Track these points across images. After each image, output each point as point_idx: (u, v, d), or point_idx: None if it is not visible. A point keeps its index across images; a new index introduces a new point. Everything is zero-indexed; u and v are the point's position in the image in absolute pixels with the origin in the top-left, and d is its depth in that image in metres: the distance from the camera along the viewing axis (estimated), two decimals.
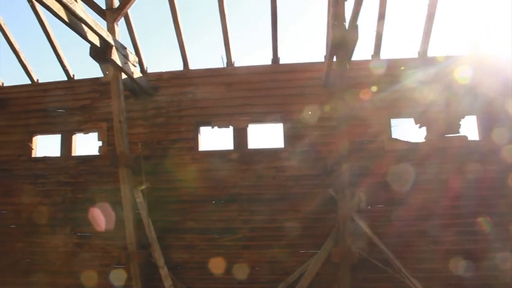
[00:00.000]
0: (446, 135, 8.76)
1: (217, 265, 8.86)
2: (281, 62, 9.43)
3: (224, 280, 8.87)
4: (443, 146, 8.68)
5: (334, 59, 7.74)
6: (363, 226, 8.28)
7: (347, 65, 7.53)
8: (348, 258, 8.04)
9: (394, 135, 8.96)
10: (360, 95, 8.73)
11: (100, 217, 9.43)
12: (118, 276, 9.33)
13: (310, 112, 8.96)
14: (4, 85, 10.78)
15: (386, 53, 9.39)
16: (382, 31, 8.88)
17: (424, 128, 8.89)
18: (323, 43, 9.09)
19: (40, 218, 9.90)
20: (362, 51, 13.30)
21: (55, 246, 9.73)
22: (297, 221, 8.77)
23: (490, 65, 8.78)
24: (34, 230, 9.92)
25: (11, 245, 10.01)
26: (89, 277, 9.37)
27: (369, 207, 8.64)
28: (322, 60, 9.08)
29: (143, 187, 8.82)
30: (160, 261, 8.71)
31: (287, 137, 9.06)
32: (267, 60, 9.47)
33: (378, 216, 8.60)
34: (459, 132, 8.75)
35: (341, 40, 7.12)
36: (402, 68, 8.94)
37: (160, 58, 19.87)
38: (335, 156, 7.91)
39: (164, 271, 8.67)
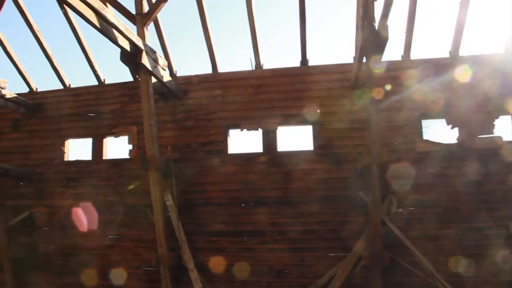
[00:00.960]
0: (479, 136, 8.56)
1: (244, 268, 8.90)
2: (309, 64, 9.40)
3: (253, 282, 8.85)
4: (476, 147, 8.49)
5: (364, 60, 7.69)
6: (394, 229, 8.16)
7: (377, 65, 7.46)
8: (379, 262, 7.94)
9: (425, 137, 8.82)
10: (390, 96, 8.62)
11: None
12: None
13: (339, 114, 8.89)
14: (38, 90, 11.09)
15: (417, 53, 9.23)
16: (412, 30, 8.76)
17: (456, 129, 8.71)
18: (351, 44, 9.05)
19: (73, 220, 10.12)
20: (392, 51, 13.16)
21: (87, 248, 9.91)
22: (326, 224, 8.71)
23: None
24: (66, 231, 10.13)
25: (45, 246, 10.26)
26: (120, 278, 9.54)
27: (400, 209, 8.50)
28: (351, 61, 9.01)
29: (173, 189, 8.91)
30: (190, 264, 8.74)
31: (316, 139, 9.01)
32: (295, 62, 9.48)
33: (409, 219, 8.46)
34: (493, 133, 8.55)
35: (371, 40, 7.07)
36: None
37: (189, 62, 20.08)
38: (365, 158, 7.83)
39: (193, 274, 8.69)
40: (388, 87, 8.49)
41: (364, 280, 8.27)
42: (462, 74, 8.67)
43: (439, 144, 8.70)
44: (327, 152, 8.89)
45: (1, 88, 9.74)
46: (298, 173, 8.94)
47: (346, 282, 8.30)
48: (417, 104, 8.73)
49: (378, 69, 8.23)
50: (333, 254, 8.73)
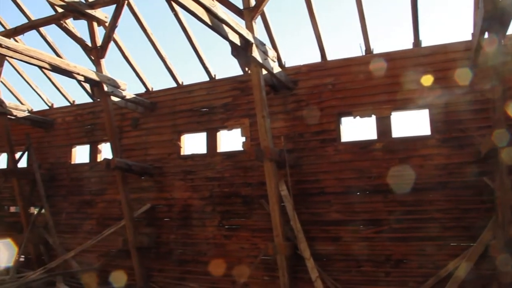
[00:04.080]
0: None
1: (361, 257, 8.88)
2: (422, 45, 9.05)
3: (370, 273, 8.78)
4: None
5: (485, 35, 7.29)
6: None
7: (502, 41, 7.03)
8: (509, 252, 7.49)
9: None
10: None
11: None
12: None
13: (458, 95, 8.52)
14: (153, 89, 11.95)
15: None
16: None
17: None
18: (467, 19, 8.61)
19: (191, 212, 10.79)
20: None
21: (205, 238, 10.53)
22: (447, 212, 8.38)
23: None
24: (185, 222, 10.85)
25: (166, 236, 11.10)
26: (238, 268, 9.98)
27: None
28: (469, 38, 8.57)
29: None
30: (306, 253, 8.88)
31: (434, 123, 8.68)
32: (407, 44, 9.20)
33: None
34: None
35: (494, 13, 6.67)
36: None
37: (297, 52, 20.23)
38: (490, 141, 7.41)
39: (310, 263, 8.80)
40: None
41: (492, 273, 7.80)
42: None
43: None
44: (446, 136, 8.55)
45: (122, 90, 10.63)
46: (415, 159, 8.68)
47: (471, 274, 7.89)
48: None
49: (503, 45, 7.79)
50: (455, 244, 8.33)
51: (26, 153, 13.71)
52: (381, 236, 8.81)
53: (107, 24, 10.67)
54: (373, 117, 9.18)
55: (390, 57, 9.17)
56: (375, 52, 9.43)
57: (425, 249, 8.47)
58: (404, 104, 8.93)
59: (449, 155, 8.49)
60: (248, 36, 7.97)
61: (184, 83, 11.56)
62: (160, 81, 21.84)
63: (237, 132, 10.53)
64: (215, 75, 11.10)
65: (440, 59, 8.77)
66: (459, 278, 7.89)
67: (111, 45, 10.79)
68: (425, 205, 8.53)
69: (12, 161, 13.22)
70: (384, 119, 9.09)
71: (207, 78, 11.18)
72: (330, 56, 9.77)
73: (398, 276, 8.61)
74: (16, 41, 10.87)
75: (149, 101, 11.65)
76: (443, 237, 8.38)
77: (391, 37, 18.05)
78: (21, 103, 14.25)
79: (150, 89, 12.01)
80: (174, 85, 11.66)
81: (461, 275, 7.91)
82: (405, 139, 8.88)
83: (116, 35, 10.94)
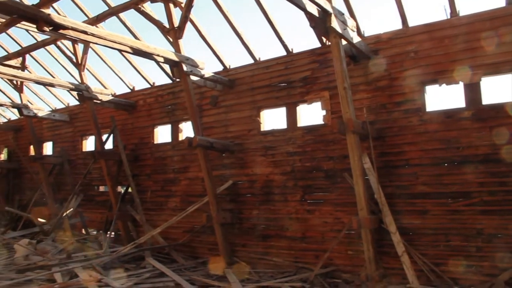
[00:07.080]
0: None
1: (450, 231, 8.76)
2: None
3: (460, 247, 8.65)
4: None
5: None
6: None
7: None
8: None
9: None
10: None
11: None
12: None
13: None
14: (231, 67, 12.36)
15: None
16: None
17: None
18: None
19: (272, 187, 11.16)
20: None
21: (287, 213, 10.89)
22: None
23: None
24: (267, 198, 11.27)
25: (248, 211, 11.61)
26: (320, 242, 10.24)
27: None
28: None
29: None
30: (392, 227, 8.94)
31: None
32: (498, 2, 8.78)
33: None
34: None
35: None
36: None
37: (376, 19, 19.70)
38: None
39: (396, 237, 8.85)
40: None
41: None
42: None
43: None
44: None
45: (200, 69, 11.09)
46: (509, 127, 8.34)
47: None
48: None
49: None
50: None
51: (112, 135, 14.74)
52: (472, 209, 8.61)
53: (183, 5, 11.12)
54: (461, 84, 8.91)
55: (479, 18, 8.80)
56: (461, 14, 9.09)
57: None
58: (496, 69, 8.57)
59: None
60: (326, 6, 8.03)
61: (261, 59, 11.88)
62: (237, 58, 22.45)
63: (317, 105, 10.71)
64: (292, 49, 11.29)
65: None
66: None
67: (188, 25, 11.22)
68: None
69: (100, 143, 14.31)
70: (473, 85, 8.79)
71: (284, 53, 11.41)
72: (411, 22, 9.58)
73: (491, 251, 8.38)
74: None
75: (227, 78, 12.11)
76: None
77: None
78: (105, 87, 15.31)
79: (228, 67, 12.45)
80: (252, 61, 12.02)
81: None
82: (497, 106, 8.51)
83: (192, 15, 11.36)
